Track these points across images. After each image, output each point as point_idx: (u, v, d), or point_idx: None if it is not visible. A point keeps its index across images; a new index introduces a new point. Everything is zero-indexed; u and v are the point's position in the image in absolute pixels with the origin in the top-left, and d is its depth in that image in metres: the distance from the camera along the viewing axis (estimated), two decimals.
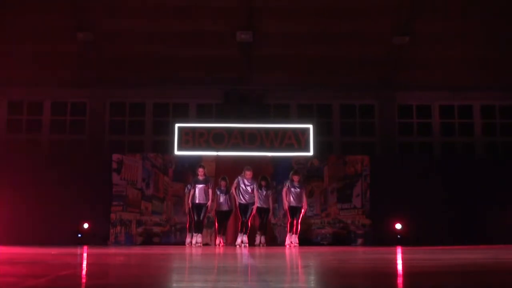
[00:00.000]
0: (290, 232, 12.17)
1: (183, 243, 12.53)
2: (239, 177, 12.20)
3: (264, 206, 12.35)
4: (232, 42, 13.91)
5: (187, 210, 12.38)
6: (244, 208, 12.12)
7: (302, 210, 12.23)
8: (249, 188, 12.17)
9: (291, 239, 12.09)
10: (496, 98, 15.28)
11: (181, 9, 13.51)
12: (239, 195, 12.16)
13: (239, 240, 11.99)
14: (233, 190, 12.19)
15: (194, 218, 12.10)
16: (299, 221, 12.24)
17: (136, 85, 14.93)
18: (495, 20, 13.85)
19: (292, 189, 12.18)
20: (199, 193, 12.10)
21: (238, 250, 10.17)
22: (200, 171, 12.28)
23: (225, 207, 12.39)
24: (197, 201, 12.09)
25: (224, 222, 12.51)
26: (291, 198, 12.16)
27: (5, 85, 14.71)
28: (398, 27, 13.78)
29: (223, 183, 12.46)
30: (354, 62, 14.54)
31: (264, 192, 12.33)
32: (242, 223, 12.12)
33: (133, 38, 14.07)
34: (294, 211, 12.14)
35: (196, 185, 12.16)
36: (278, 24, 13.89)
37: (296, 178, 12.27)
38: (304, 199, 12.26)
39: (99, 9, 13.65)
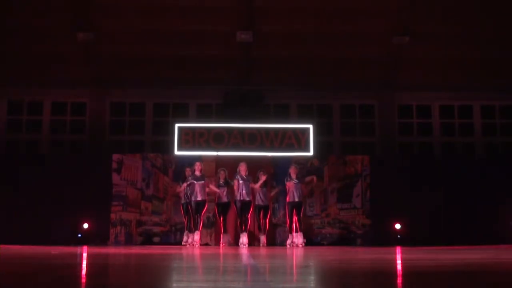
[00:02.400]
0: (291, 232, 11.99)
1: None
2: (237, 176, 12.13)
3: (263, 203, 12.26)
4: (232, 42, 13.91)
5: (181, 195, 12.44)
6: (242, 205, 12.02)
7: (303, 206, 12.08)
8: (246, 184, 12.01)
9: (296, 239, 11.84)
10: (496, 98, 15.28)
11: (181, 9, 13.51)
12: (238, 192, 12.05)
13: (241, 240, 11.85)
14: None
15: (192, 215, 12.07)
16: (300, 217, 12.05)
17: (136, 85, 14.93)
18: (495, 20, 13.85)
19: (290, 184, 12.02)
20: (199, 190, 12.06)
21: (237, 250, 10.14)
22: (198, 166, 12.19)
23: (224, 199, 12.36)
24: (199, 198, 12.04)
25: (224, 215, 12.40)
26: (290, 194, 11.99)
27: (5, 85, 14.72)
28: (398, 27, 13.78)
29: (222, 174, 12.35)
30: (354, 62, 14.54)
31: (263, 189, 12.25)
32: (242, 222, 11.99)
33: (133, 38, 14.07)
34: (292, 207, 11.96)
35: (196, 182, 12.08)
36: (278, 24, 13.88)
37: (293, 171, 12.17)
38: (302, 190, 12.12)
39: (99, 9, 13.65)
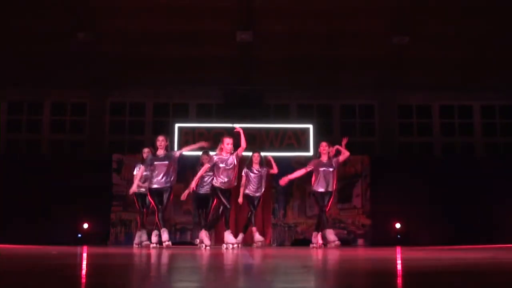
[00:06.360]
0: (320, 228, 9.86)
1: (183, 243, 12.48)
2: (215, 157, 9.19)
3: (256, 193, 10.45)
4: (232, 42, 13.91)
5: (131, 192, 9.90)
6: (225, 193, 9.16)
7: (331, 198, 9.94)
8: (229, 164, 9.07)
9: (332, 236, 9.76)
10: (496, 98, 15.29)
11: (181, 9, 13.50)
12: (218, 177, 9.07)
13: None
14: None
15: (156, 207, 9.46)
16: (327, 210, 10.02)
17: (136, 85, 14.94)
18: (495, 20, 13.84)
19: (321, 170, 9.88)
20: (158, 174, 9.25)
21: (235, 250, 9.92)
22: (160, 140, 9.32)
23: (203, 190, 10.27)
24: (156, 186, 9.31)
25: (204, 209, 10.34)
26: (318, 183, 9.91)
27: (5, 85, 14.73)
28: (398, 27, 13.78)
29: (204, 158, 10.13)
30: (354, 62, 14.55)
31: (256, 173, 10.52)
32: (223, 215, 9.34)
33: (133, 38, 14.07)
34: (322, 198, 9.91)
35: (155, 163, 9.25)
36: (278, 24, 13.89)
37: (323, 149, 10.05)
38: (334, 181, 9.91)
39: (99, 9, 13.65)
